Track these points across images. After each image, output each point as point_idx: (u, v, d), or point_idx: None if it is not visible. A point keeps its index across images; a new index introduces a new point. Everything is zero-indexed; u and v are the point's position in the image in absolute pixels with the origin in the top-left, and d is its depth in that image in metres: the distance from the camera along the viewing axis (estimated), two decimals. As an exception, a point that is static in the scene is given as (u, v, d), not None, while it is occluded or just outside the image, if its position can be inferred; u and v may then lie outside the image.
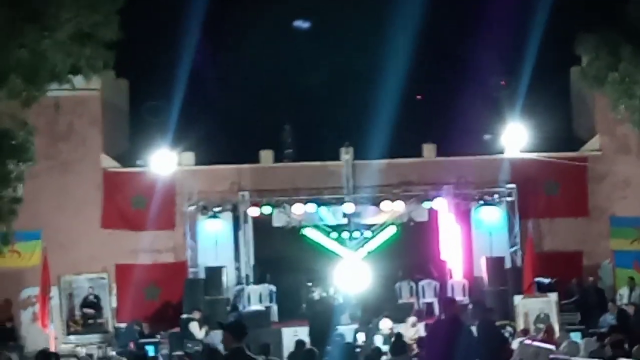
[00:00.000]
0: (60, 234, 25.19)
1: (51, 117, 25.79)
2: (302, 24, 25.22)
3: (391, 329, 20.43)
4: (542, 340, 16.10)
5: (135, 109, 28.06)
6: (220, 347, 18.39)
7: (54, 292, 22.49)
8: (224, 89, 27.14)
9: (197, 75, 24.84)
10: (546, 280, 23.34)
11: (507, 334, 19.99)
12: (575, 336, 18.49)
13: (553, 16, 23.56)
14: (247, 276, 25.58)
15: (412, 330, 20.37)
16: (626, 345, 13.00)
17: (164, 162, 25.48)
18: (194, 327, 21.48)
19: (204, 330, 21.50)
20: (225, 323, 9.75)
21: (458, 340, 11.56)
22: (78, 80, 19.96)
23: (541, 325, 18.67)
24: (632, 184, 26.30)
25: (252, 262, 25.78)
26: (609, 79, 21.20)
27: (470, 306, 21.52)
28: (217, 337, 21.05)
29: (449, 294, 24.15)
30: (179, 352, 19.59)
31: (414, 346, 16.69)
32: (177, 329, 22.47)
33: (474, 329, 13.54)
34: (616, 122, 24.32)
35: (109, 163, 26.34)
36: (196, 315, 21.86)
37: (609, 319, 21.51)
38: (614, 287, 25.24)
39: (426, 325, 13.93)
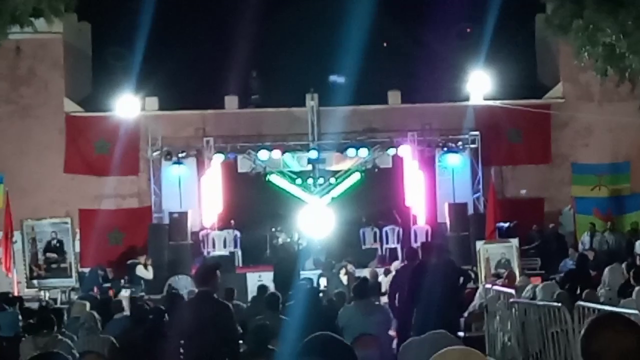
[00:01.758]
0: (22, 179, 25.01)
1: (12, 61, 25.49)
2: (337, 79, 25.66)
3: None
4: (503, 285, 16.29)
5: (98, 52, 27.76)
6: (184, 291, 18.55)
7: (16, 236, 22.35)
8: (189, 33, 26.87)
9: (162, 19, 24.55)
10: (505, 225, 23.61)
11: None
12: (536, 281, 18.76)
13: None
14: (211, 222, 25.60)
15: None
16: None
17: (128, 106, 25.31)
18: (140, 270, 21.72)
19: (150, 270, 21.73)
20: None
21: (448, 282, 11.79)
22: (40, 23, 19.66)
23: (502, 270, 18.88)
24: (593, 132, 26.54)
25: (216, 207, 25.79)
26: (573, 26, 21.23)
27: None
28: (180, 282, 21.20)
29: (412, 240, 24.37)
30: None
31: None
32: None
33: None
34: (579, 69, 24.43)
35: (71, 107, 26.10)
36: (141, 259, 22.06)
37: (568, 264, 21.82)
38: (575, 233, 25.59)
39: (403, 269, 14.03)
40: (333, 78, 26.30)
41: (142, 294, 20.90)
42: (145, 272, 21.74)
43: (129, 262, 22.44)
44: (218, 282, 9.39)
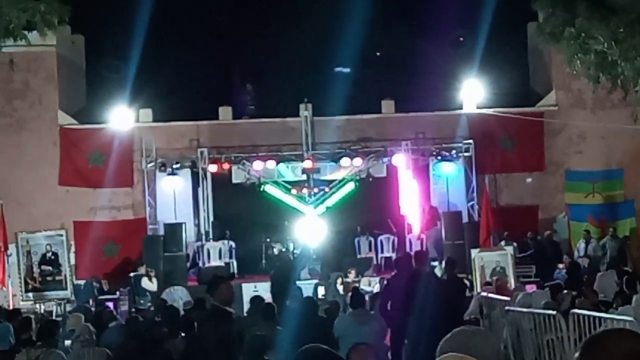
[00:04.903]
0: (17, 192, 25.01)
1: (6, 74, 25.44)
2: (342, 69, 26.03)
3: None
4: (497, 293, 16.32)
5: (92, 65, 27.81)
6: (180, 302, 18.56)
7: (11, 249, 22.32)
8: (182, 44, 26.92)
9: (155, 31, 24.60)
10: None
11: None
12: (530, 289, 18.79)
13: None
14: (206, 232, 25.62)
15: None
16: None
17: (122, 118, 25.35)
18: (145, 282, 21.72)
19: (155, 281, 21.75)
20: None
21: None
22: (33, 36, 19.71)
23: (496, 278, 18.92)
24: (587, 139, 26.61)
25: (211, 218, 25.81)
26: (565, 34, 21.31)
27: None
28: (176, 293, 21.20)
29: (408, 249, 24.37)
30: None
31: None
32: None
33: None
34: (572, 77, 24.53)
35: (65, 120, 26.12)
36: (142, 270, 22.07)
37: (563, 271, 21.87)
38: (569, 240, 25.63)
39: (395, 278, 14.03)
40: (339, 69, 26.35)
41: (149, 304, 20.80)
42: (150, 284, 21.73)
43: (133, 274, 22.35)
44: (231, 292, 9.44)
